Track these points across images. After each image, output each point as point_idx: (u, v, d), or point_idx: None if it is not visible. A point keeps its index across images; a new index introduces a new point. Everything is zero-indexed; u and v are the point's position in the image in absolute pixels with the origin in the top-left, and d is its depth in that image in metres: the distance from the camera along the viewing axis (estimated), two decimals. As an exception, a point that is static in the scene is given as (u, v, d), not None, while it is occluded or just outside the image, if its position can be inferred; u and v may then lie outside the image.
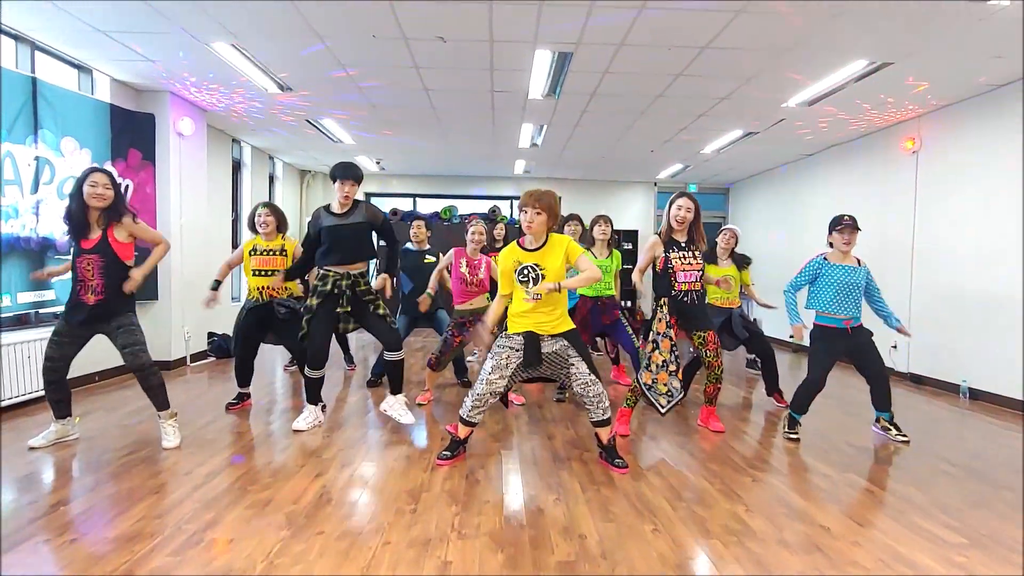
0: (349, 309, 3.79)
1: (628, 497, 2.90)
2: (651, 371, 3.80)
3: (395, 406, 3.98)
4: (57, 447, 3.50)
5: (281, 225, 4.44)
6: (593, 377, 3.19)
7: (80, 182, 3.36)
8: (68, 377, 3.54)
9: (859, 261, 3.95)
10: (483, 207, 10.64)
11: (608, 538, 2.46)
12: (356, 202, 3.89)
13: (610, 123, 6.81)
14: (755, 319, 9.77)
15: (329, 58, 4.87)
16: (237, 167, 8.37)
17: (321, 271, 3.85)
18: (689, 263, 3.82)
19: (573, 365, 3.19)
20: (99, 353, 4.54)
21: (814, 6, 3.76)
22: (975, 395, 5.42)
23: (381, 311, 3.88)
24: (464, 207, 10.72)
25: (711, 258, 4.89)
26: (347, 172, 3.78)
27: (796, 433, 3.96)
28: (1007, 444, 4.03)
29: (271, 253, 4.35)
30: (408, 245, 5.26)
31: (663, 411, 3.80)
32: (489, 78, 5.32)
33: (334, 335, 4.07)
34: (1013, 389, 5.02)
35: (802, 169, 8.64)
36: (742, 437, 4.01)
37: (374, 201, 11.11)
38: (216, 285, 4.41)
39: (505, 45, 4.55)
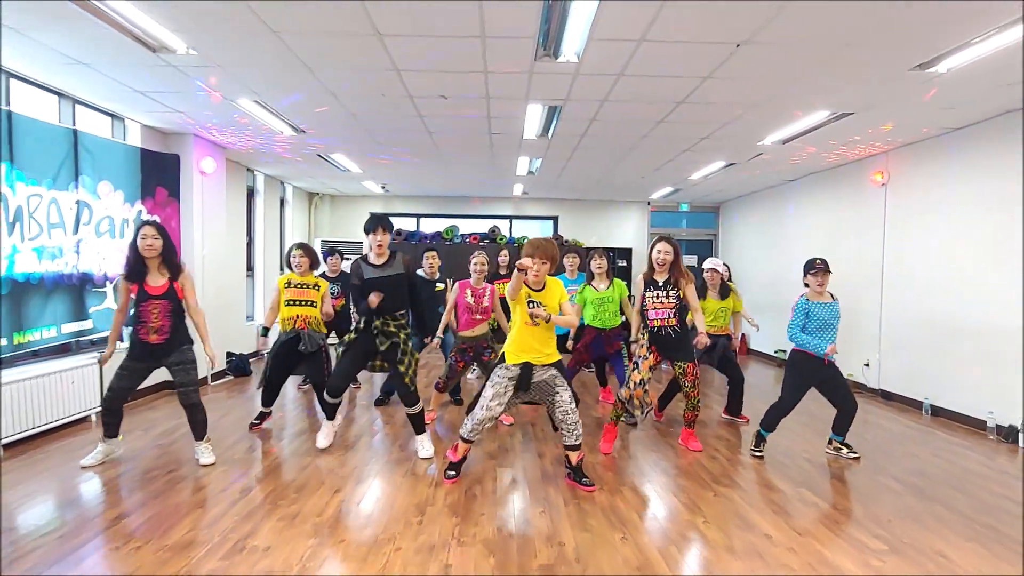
0: (387, 347, 4.09)
1: (604, 510, 3.38)
2: (629, 388, 4.31)
3: (420, 443, 4.32)
4: (104, 467, 3.98)
5: (314, 264, 4.83)
6: (573, 406, 3.68)
7: (135, 234, 3.88)
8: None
9: (832, 296, 4.35)
10: (483, 226, 11.15)
11: (583, 545, 2.94)
12: (393, 252, 4.19)
13: (601, 156, 7.31)
14: (743, 334, 10.30)
15: (341, 111, 5.38)
16: (251, 193, 8.89)
17: (364, 318, 4.15)
18: (661, 301, 4.29)
19: (558, 393, 3.67)
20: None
21: (772, 72, 4.25)
22: (936, 412, 5.88)
23: (405, 368, 4.12)
24: (465, 227, 11.24)
25: (702, 292, 5.28)
26: (377, 223, 4.10)
27: (761, 451, 4.42)
28: (953, 461, 4.49)
29: (305, 287, 4.74)
30: (420, 273, 5.70)
31: (637, 421, 4.41)
32: (487, 125, 5.83)
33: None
34: (971, 407, 5.48)
35: (785, 192, 9.13)
36: (713, 455, 4.48)
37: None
38: (265, 332, 4.82)
39: (500, 100, 5.05)
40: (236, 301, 8.11)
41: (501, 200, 11.59)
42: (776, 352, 9.08)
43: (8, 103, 4.61)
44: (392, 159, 7.68)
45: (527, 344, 3.63)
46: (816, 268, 4.27)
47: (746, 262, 10.37)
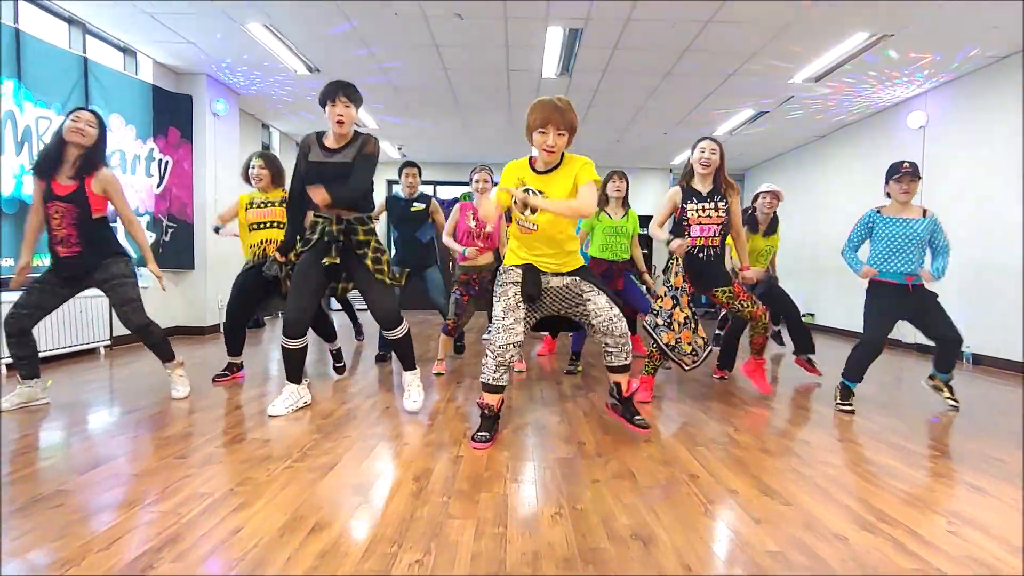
0: (338, 261, 3.08)
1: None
2: (673, 330, 3.46)
3: (408, 384, 3.35)
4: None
5: (277, 176, 3.99)
6: (617, 312, 2.76)
7: (65, 117, 3.15)
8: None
9: (925, 212, 3.53)
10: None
11: (604, 443, 2.73)
12: (357, 134, 3.09)
13: (622, 103, 7.06)
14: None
15: (355, 38, 5.21)
16: (267, 150, 8.78)
17: (312, 217, 3.19)
18: (708, 215, 3.49)
19: (589, 300, 2.75)
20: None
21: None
22: (978, 360, 5.56)
23: (376, 270, 3.12)
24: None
25: (752, 226, 4.51)
26: (337, 89, 2.97)
27: (850, 404, 3.55)
28: (997, 400, 4.19)
29: (270, 205, 3.93)
30: (397, 192, 4.98)
31: (687, 368, 3.50)
32: (504, 56, 5.62)
33: (337, 301, 3.59)
34: (1013, 352, 5.16)
35: (815, 151, 8.79)
36: (743, 383, 4.22)
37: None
38: (217, 230, 4.15)
39: (519, 22, 4.84)
40: (250, 256, 8.00)
41: (519, 167, 11.34)
42: (804, 316, 8.73)
43: (17, 22, 4.51)
44: (407, 109, 7.49)
45: (523, 248, 2.78)
46: (901, 171, 3.45)
47: (772, 227, 10.03)
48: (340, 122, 2.97)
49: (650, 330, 3.55)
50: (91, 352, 5.03)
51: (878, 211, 3.60)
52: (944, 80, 5.99)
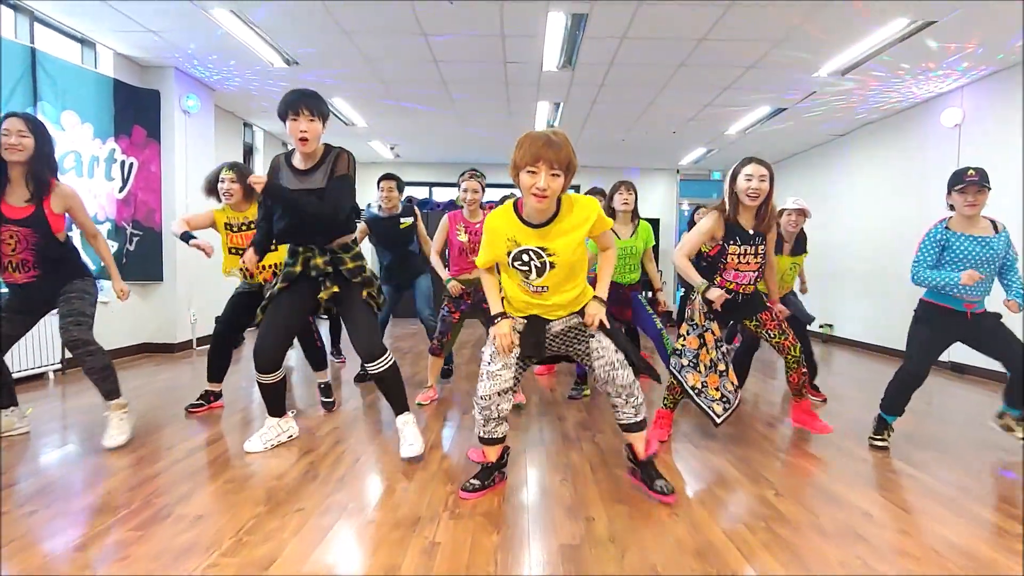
0: (336, 290, 2.77)
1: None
2: (699, 372, 3.02)
3: (404, 429, 2.86)
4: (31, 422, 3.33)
5: (250, 191, 3.43)
6: (621, 357, 2.33)
7: None
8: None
9: (995, 225, 3.02)
10: (499, 195, 10.38)
11: (619, 521, 2.18)
12: (328, 149, 2.70)
13: (630, 98, 6.50)
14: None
15: (332, 25, 4.66)
16: (249, 151, 8.26)
17: (293, 247, 2.84)
18: (747, 261, 2.98)
19: (593, 337, 2.36)
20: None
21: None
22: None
23: (369, 295, 2.81)
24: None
25: (777, 247, 3.88)
26: (297, 101, 2.53)
27: (885, 440, 3.17)
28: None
29: (247, 227, 3.55)
30: (373, 210, 4.49)
31: (719, 420, 3.00)
32: (501, 46, 5.06)
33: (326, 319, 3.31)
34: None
35: (834, 150, 8.23)
36: (771, 421, 3.69)
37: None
38: (186, 237, 3.56)
39: (516, 6, 4.29)
40: (230, 263, 7.46)
41: (519, 167, 10.80)
42: (821, 327, 8.20)
43: (-55, 7, 3.99)
44: (397, 103, 6.94)
45: (525, 303, 2.36)
46: (966, 181, 2.91)
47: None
48: (304, 139, 2.55)
49: (675, 372, 3.12)
50: (39, 378, 4.49)
51: (946, 226, 3.04)
52: (982, 74, 5.44)
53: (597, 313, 2.32)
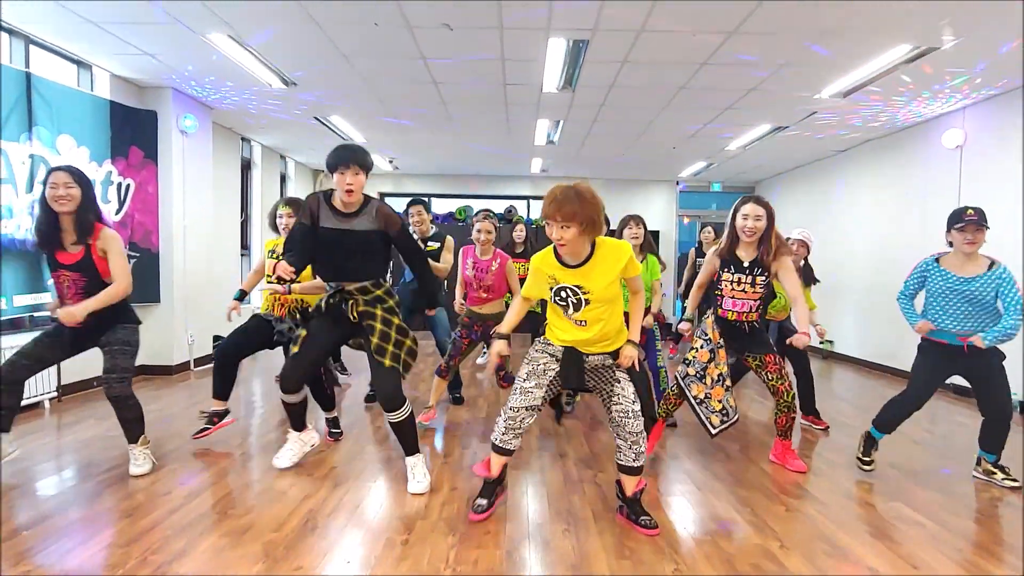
0: (337, 328, 2.98)
1: (646, 529, 2.59)
2: (705, 384, 3.19)
3: (411, 469, 3.00)
4: (29, 461, 3.28)
5: None
6: (637, 409, 2.55)
7: (44, 183, 2.92)
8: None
9: (991, 264, 3.11)
10: (499, 207, 10.36)
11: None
12: (367, 199, 2.91)
13: (630, 118, 6.47)
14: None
15: (330, 48, 4.62)
16: (247, 166, 8.21)
17: (329, 285, 3.03)
18: (743, 290, 3.14)
19: (619, 383, 2.56)
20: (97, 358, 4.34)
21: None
22: (1027, 409, 4.99)
23: (379, 343, 2.87)
24: (480, 207, 10.45)
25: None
26: (347, 156, 2.75)
27: (871, 459, 3.35)
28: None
29: None
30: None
31: (714, 432, 3.21)
32: (501, 69, 5.03)
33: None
34: (1071, 404, 4.59)
35: (834, 166, 8.21)
36: (773, 458, 3.66)
37: (388, 202, 10.91)
38: (240, 295, 3.84)
39: (516, 33, 4.26)
40: (227, 280, 7.39)
41: (518, 179, 10.78)
42: (822, 343, 8.18)
43: (-60, 34, 3.94)
44: (396, 121, 6.91)
45: (567, 334, 2.57)
46: (965, 220, 3.05)
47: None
48: (350, 191, 2.79)
49: (680, 379, 3.32)
50: (35, 407, 4.43)
51: (937, 260, 3.21)
52: (984, 96, 5.42)
53: (632, 356, 2.55)
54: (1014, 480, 3.19)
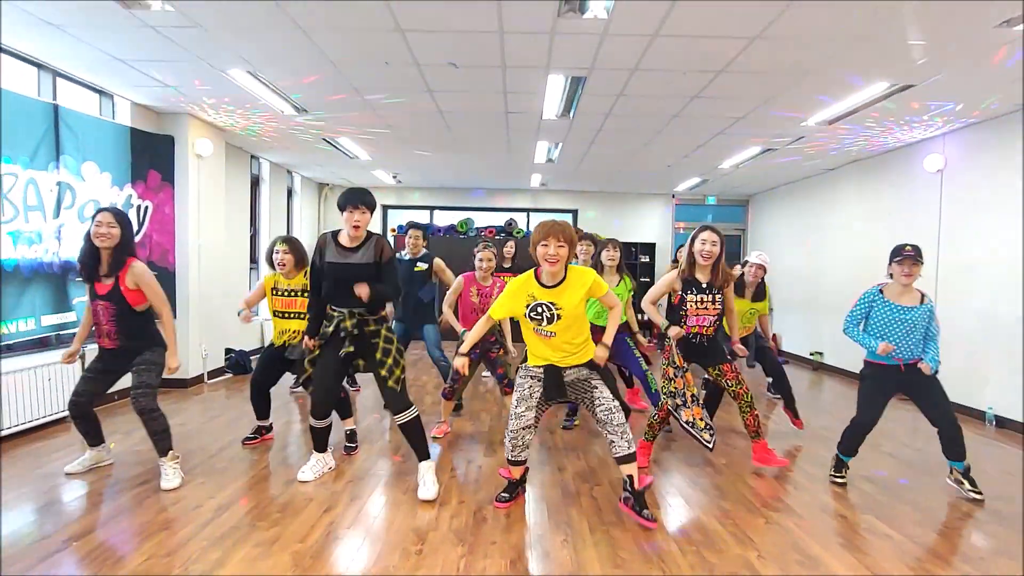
0: (352, 350, 3.32)
1: (637, 540, 2.85)
2: (689, 408, 3.63)
3: (422, 476, 3.37)
4: (68, 478, 3.53)
5: (300, 262, 4.10)
6: (617, 404, 3.03)
7: (91, 221, 3.33)
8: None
9: (923, 297, 3.54)
10: (500, 219, 10.64)
11: (615, 588, 2.42)
12: (369, 235, 3.35)
13: (626, 140, 6.76)
14: (775, 334, 9.68)
15: (343, 82, 4.90)
16: (256, 182, 8.48)
17: (328, 310, 3.40)
18: (705, 307, 3.64)
19: (596, 388, 3.04)
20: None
21: (832, 30, 3.69)
22: (1001, 423, 5.27)
23: (387, 369, 3.31)
24: (481, 220, 10.75)
25: (738, 290, 4.56)
26: (356, 198, 3.23)
27: (843, 477, 3.70)
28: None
29: (292, 294, 4.07)
30: (402, 253, 5.16)
31: (711, 446, 3.62)
32: (503, 101, 5.31)
33: None
34: (1042, 418, 4.87)
35: (824, 183, 8.49)
36: (758, 471, 3.92)
37: (391, 214, 11.18)
38: (240, 313, 4.30)
39: (518, 70, 4.54)
40: (237, 294, 7.62)
41: (518, 192, 11.07)
42: (812, 355, 8.46)
43: (-21, 74, 4.21)
44: (403, 145, 7.18)
45: (543, 351, 3.05)
46: (904, 255, 3.46)
47: (777, 259, 9.70)
48: (357, 227, 3.26)
49: (672, 411, 3.71)
50: (60, 422, 4.68)
51: (880, 291, 3.63)
52: (964, 124, 5.70)
53: (602, 356, 3.07)
54: (978, 492, 3.48)
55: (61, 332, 4.93)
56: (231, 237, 7.23)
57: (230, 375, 6.77)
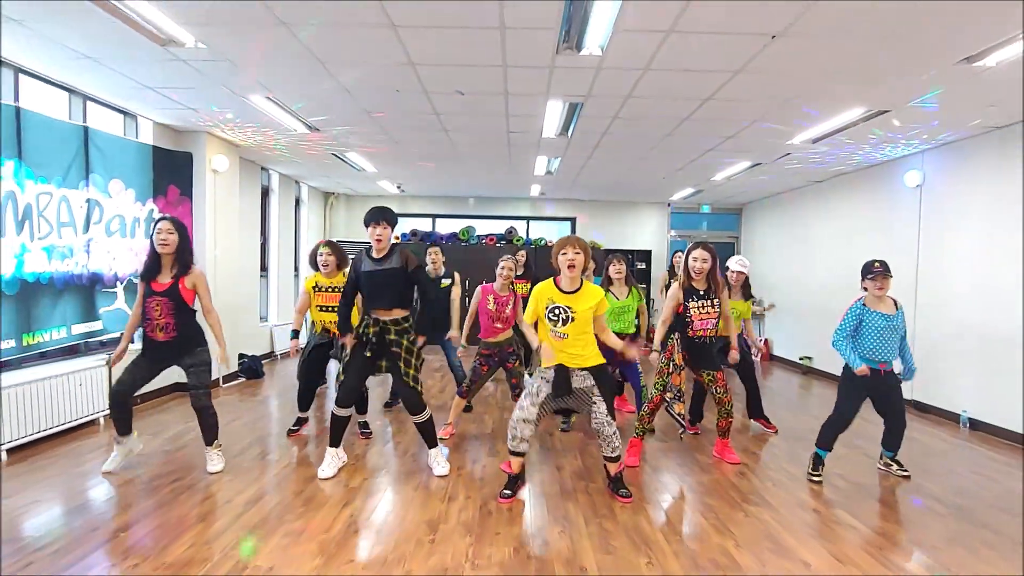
0: (369, 355, 3.79)
1: (627, 531, 3.17)
2: (681, 402, 4.19)
3: (434, 459, 4.02)
4: (108, 474, 3.85)
5: (341, 263, 4.61)
6: (610, 419, 3.51)
7: (153, 229, 3.79)
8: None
9: (895, 303, 4.01)
10: (500, 227, 10.96)
11: (606, 569, 2.74)
12: (394, 246, 3.88)
13: (622, 156, 7.09)
14: (765, 339, 10.00)
15: (355, 106, 5.22)
16: (266, 193, 8.80)
17: (362, 316, 3.94)
18: (707, 312, 4.10)
19: (595, 404, 3.48)
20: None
21: (808, 66, 4.01)
22: (975, 425, 5.58)
23: (406, 369, 3.81)
24: (482, 228, 11.06)
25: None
26: (377, 216, 3.77)
27: (820, 475, 4.02)
28: (997, 479, 4.22)
29: (334, 290, 4.53)
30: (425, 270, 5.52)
31: (682, 436, 4.58)
32: (505, 123, 5.64)
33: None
34: (1012, 422, 5.18)
35: (812, 194, 8.83)
36: (741, 470, 4.24)
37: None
38: (295, 335, 4.68)
39: (519, 97, 4.86)
40: (249, 301, 8.01)
41: (518, 200, 11.40)
42: (801, 359, 8.78)
43: (18, 99, 4.52)
44: (408, 160, 7.51)
45: (556, 351, 3.48)
46: (874, 272, 3.94)
47: (769, 265, 10.07)
48: (379, 240, 3.79)
49: (666, 403, 4.22)
50: (90, 424, 5.00)
51: (864, 304, 3.99)
52: (941, 142, 6.03)
53: (632, 353, 3.74)
54: (905, 471, 4.17)
55: (89, 340, 5.25)
56: (243, 246, 7.54)
57: (243, 379, 7.08)
